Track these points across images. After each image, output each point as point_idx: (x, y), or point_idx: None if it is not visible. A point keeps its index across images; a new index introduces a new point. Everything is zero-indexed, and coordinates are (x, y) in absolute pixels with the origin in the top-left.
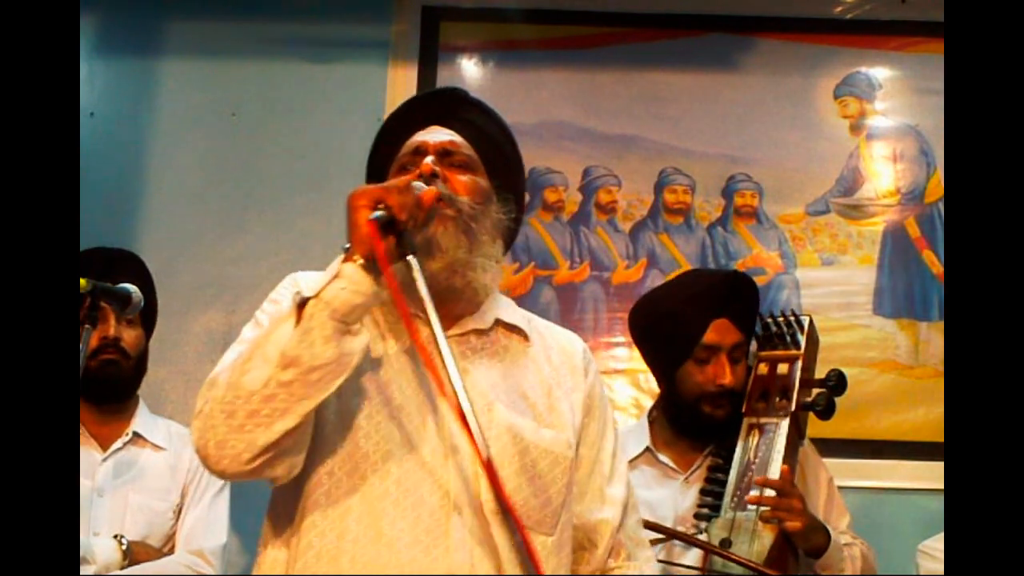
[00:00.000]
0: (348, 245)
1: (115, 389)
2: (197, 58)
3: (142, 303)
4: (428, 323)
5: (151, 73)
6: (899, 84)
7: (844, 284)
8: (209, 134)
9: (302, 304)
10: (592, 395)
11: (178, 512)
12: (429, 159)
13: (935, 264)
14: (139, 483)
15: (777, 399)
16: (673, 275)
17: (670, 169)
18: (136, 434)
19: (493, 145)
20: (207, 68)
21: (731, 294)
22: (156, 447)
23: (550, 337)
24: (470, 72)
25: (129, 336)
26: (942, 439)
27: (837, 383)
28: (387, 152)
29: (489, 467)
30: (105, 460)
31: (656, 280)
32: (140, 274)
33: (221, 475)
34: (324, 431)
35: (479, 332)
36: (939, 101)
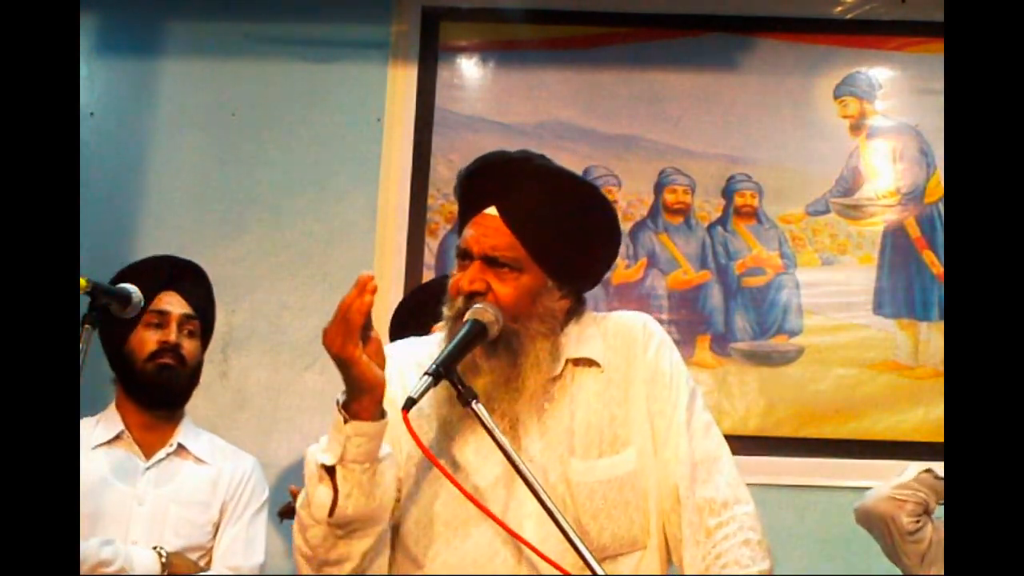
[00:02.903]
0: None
1: (168, 395)
2: (197, 58)
3: (142, 303)
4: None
5: (151, 73)
6: (899, 84)
7: (844, 284)
8: (209, 134)
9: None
10: (656, 368)
11: (216, 527)
12: (469, 274)
13: (935, 264)
14: (180, 495)
15: None
16: (672, 274)
17: (670, 169)
18: (180, 446)
19: (548, 232)
20: (207, 68)
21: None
22: (199, 460)
23: (613, 338)
24: (470, 72)
25: (188, 345)
26: (942, 439)
27: None
28: (462, 218)
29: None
30: (148, 469)
31: (656, 280)
32: (204, 285)
33: None
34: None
35: (554, 379)
36: (939, 101)
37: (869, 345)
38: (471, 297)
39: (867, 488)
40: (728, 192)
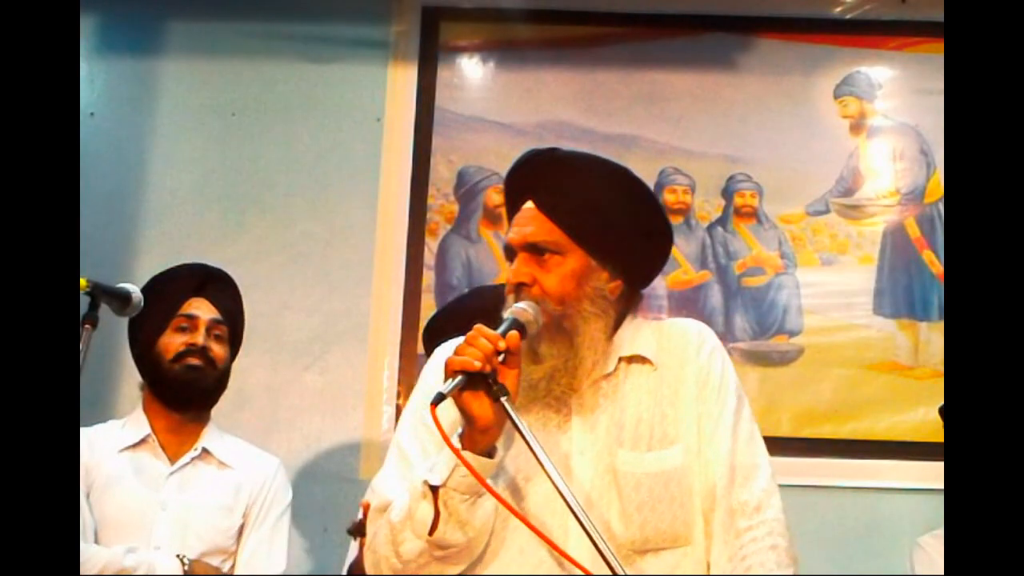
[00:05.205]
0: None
1: (194, 395)
2: (197, 58)
3: (142, 303)
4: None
5: (151, 73)
6: (899, 84)
7: (844, 284)
8: (209, 134)
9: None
10: (708, 371)
11: (240, 531)
12: (514, 268)
13: (935, 264)
14: (203, 500)
15: None
16: (672, 274)
17: (670, 169)
18: (205, 450)
19: (585, 213)
20: (207, 68)
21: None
22: (223, 464)
23: (668, 340)
24: (470, 72)
25: (216, 348)
26: (942, 439)
27: None
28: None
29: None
30: (172, 474)
31: (656, 280)
32: (234, 295)
33: None
34: None
35: (607, 376)
36: (939, 101)
37: (869, 345)
38: (519, 289)
39: (867, 488)
40: (728, 192)
